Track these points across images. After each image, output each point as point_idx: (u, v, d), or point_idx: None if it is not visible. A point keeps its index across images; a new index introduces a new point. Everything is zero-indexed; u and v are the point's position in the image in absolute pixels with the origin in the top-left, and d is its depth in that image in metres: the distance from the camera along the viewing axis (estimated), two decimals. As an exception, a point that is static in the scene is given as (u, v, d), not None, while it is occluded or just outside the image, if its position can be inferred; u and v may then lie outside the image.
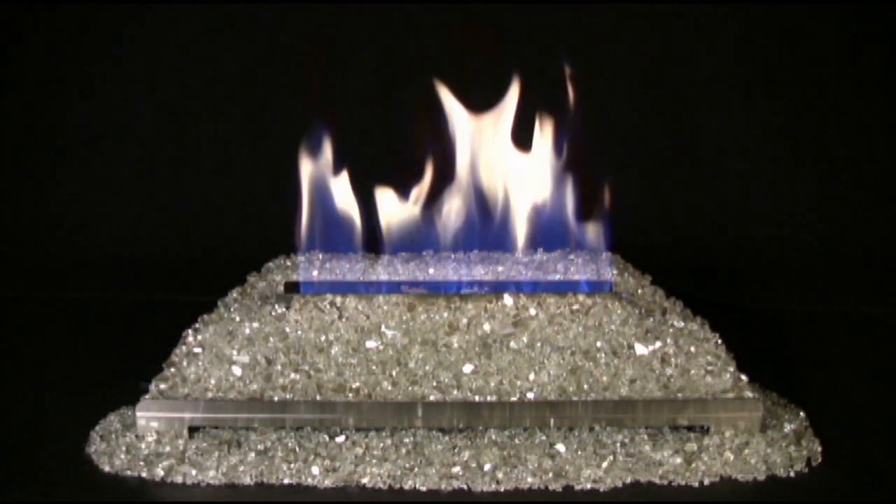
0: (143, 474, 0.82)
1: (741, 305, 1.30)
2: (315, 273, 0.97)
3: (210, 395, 0.85)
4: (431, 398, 0.85)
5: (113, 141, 1.50)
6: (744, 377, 0.87)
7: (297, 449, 0.84)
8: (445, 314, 0.88)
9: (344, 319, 0.87)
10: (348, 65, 1.47)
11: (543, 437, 0.85)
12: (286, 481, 0.82)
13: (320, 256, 1.00)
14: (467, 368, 0.86)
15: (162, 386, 0.86)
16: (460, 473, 0.82)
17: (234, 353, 0.86)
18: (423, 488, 0.81)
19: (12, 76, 1.50)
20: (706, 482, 0.82)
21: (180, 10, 1.47)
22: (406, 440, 0.84)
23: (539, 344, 0.87)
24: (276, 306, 0.88)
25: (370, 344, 0.87)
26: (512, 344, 0.87)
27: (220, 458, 0.83)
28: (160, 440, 0.85)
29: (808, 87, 1.49)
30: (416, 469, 0.82)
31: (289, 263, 1.02)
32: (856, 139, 1.51)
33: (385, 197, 0.99)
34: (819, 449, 0.86)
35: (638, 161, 1.48)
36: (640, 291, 0.96)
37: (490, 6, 1.44)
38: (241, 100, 1.49)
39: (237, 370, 0.86)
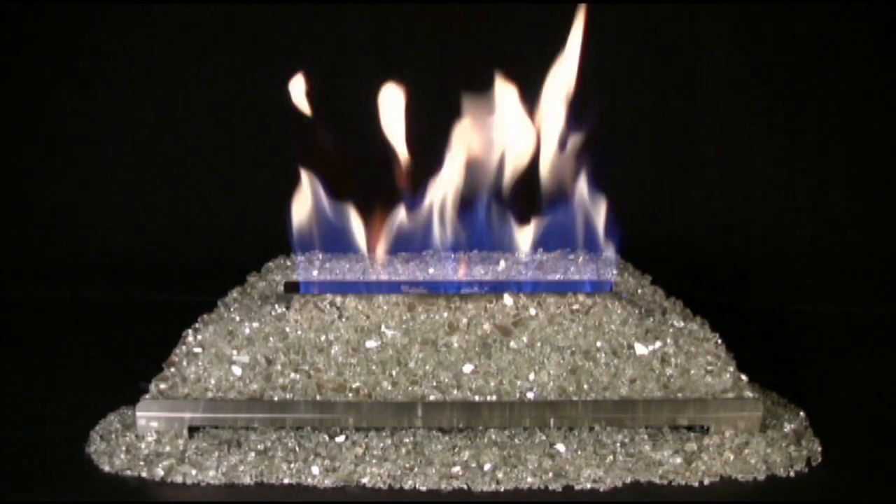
0: (143, 474, 0.82)
1: (741, 305, 1.29)
2: (315, 273, 0.97)
3: (210, 394, 0.85)
4: (431, 398, 0.85)
5: (113, 141, 1.50)
6: (744, 377, 0.87)
7: (297, 449, 0.84)
8: (445, 314, 0.88)
9: (344, 319, 0.87)
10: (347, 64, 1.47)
11: (543, 437, 0.85)
12: (286, 481, 0.82)
13: (320, 256, 1.00)
14: (467, 368, 0.86)
15: (162, 386, 0.86)
16: (460, 473, 0.82)
17: (234, 352, 0.86)
18: (423, 488, 0.81)
19: (12, 76, 1.50)
20: (706, 482, 0.82)
21: (181, 10, 1.47)
22: (406, 440, 0.84)
23: (539, 344, 0.87)
24: (276, 306, 0.88)
25: (370, 344, 0.87)
26: (512, 344, 0.87)
27: (220, 458, 0.83)
28: (160, 440, 0.85)
29: (809, 87, 1.49)
30: (416, 469, 0.82)
31: (289, 263, 1.01)
32: (856, 139, 1.51)
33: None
34: (819, 449, 0.86)
35: (638, 161, 1.48)
36: (640, 291, 0.96)
37: (489, 5, 1.44)
38: (241, 99, 1.49)
39: (237, 370, 0.86)
